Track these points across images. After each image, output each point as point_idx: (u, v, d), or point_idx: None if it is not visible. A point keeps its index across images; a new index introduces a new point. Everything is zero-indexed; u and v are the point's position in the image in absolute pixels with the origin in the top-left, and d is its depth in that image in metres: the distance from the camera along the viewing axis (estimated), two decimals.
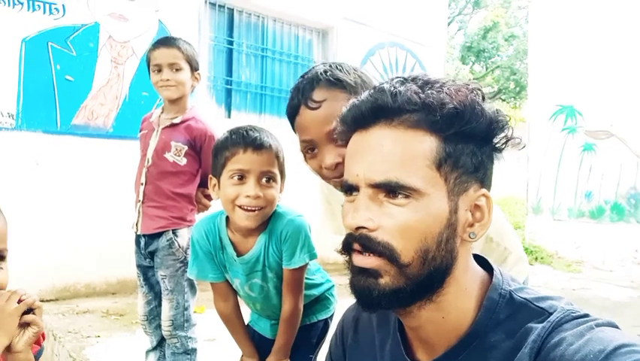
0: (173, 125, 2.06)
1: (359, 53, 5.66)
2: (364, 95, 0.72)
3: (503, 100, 20.59)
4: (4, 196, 3.51)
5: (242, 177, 1.29)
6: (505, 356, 0.67)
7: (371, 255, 0.68)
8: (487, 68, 19.48)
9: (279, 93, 5.20)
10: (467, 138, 0.70)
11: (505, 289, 0.72)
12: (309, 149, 1.11)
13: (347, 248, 0.71)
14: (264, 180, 1.31)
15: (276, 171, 1.34)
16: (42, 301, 3.57)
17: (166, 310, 2.00)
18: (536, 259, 7.00)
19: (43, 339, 1.05)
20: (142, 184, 2.07)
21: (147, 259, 2.08)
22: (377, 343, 0.85)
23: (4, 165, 3.53)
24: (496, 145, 0.73)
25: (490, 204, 0.72)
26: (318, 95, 1.07)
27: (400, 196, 0.67)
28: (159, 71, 2.02)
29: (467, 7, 19.87)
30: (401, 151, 0.68)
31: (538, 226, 7.53)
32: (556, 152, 7.27)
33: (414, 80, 0.72)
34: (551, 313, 0.67)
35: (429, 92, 0.69)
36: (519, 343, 0.66)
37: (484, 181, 0.73)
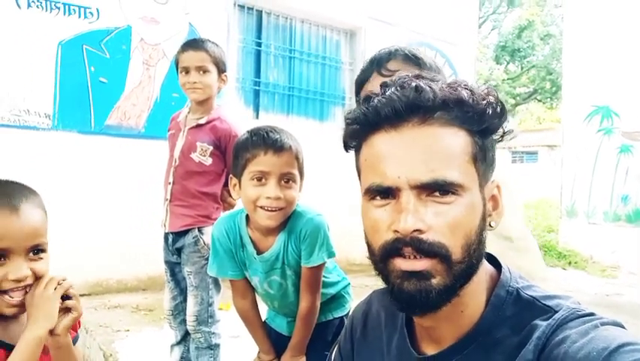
0: (198, 126, 2.11)
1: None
2: (389, 93, 0.70)
3: (539, 100, 20.14)
4: (43, 194, 3.64)
5: (262, 178, 1.31)
6: (510, 353, 0.67)
7: (422, 257, 0.66)
8: (522, 68, 19.08)
9: (306, 94, 5.23)
10: (491, 132, 0.72)
11: (512, 287, 0.73)
12: None
13: (393, 253, 0.68)
14: (283, 181, 1.33)
15: (296, 171, 1.36)
16: None
17: (191, 306, 2.05)
18: (570, 263, 6.82)
19: (79, 326, 1.11)
20: (170, 183, 2.13)
21: (175, 256, 2.14)
22: (385, 338, 0.86)
23: (41, 164, 3.67)
24: (498, 138, 0.76)
25: (501, 192, 0.75)
26: (393, 64, 1.12)
27: (447, 194, 0.67)
28: (187, 72, 2.06)
29: (502, 5, 19.50)
30: (443, 148, 0.68)
31: (572, 230, 7.33)
32: (591, 154, 7.07)
33: (431, 79, 0.72)
34: (557, 312, 0.67)
35: (460, 89, 0.70)
36: (524, 340, 0.66)
37: (493, 171, 0.76)
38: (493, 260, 0.79)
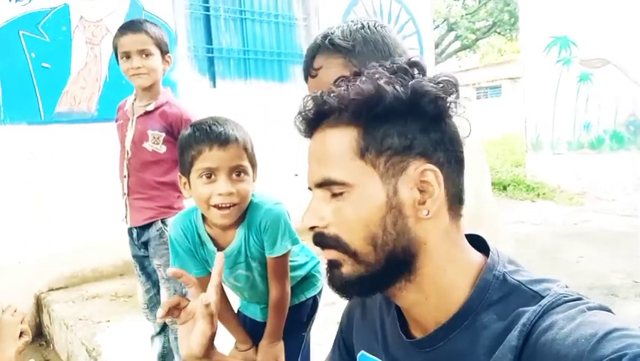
0: (147, 113, 2.02)
1: (341, 4, 5.50)
2: (300, 109, 0.77)
3: (499, 33, 20.10)
4: None
5: (211, 174, 1.26)
6: (496, 337, 0.67)
7: (329, 249, 0.73)
8: (479, 2, 18.89)
9: (262, 56, 5.08)
10: (387, 120, 0.71)
11: (499, 271, 0.73)
12: None
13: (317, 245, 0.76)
14: (234, 174, 1.28)
15: (246, 163, 1.30)
16: (51, 290, 3.69)
17: (164, 298, 2.03)
18: (538, 195, 7.03)
19: None
20: (125, 177, 2.06)
21: (142, 250, 2.10)
22: (379, 320, 0.87)
23: None
24: (431, 115, 0.72)
25: (438, 176, 0.71)
26: (316, 62, 1.11)
27: (337, 192, 0.72)
28: (128, 57, 1.95)
29: None
30: (327, 150, 0.73)
31: (538, 162, 7.51)
32: (552, 85, 7.16)
33: (341, 80, 0.75)
34: (543, 297, 0.67)
35: (340, 88, 0.72)
36: (510, 325, 0.66)
37: (429, 155, 0.71)
38: (483, 243, 0.79)
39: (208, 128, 1.27)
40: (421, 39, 6.34)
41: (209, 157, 1.25)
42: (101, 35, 4.00)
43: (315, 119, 0.75)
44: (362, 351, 0.91)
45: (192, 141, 1.27)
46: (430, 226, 0.72)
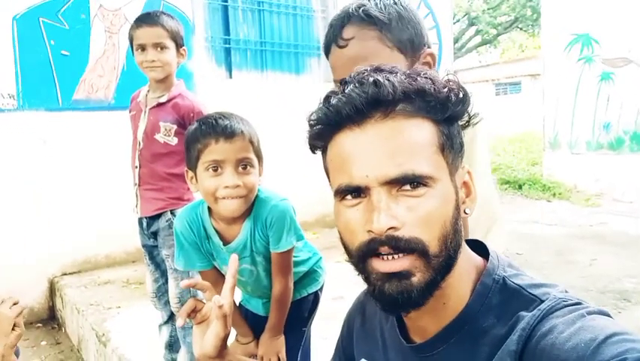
0: (160, 105, 2.04)
1: None
2: (348, 90, 0.68)
3: (521, 28, 19.78)
4: (15, 177, 3.59)
5: (217, 167, 1.27)
6: (495, 342, 0.67)
7: (399, 255, 0.66)
8: None
9: (279, 48, 5.08)
10: (455, 119, 0.72)
11: (499, 275, 0.72)
12: None
13: (370, 254, 0.67)
14: (241, 167, 1.29)
15: (252, 155, 1.31)
16: (65, 274, 3.76)
17: (172, 288, 2.05)
18: (554, 195, 6.93)
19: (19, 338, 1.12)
20: (136, 167, 2.08)
21: (151, 239, 2.12)
22: (379, 327, 0.87)
23: (11, 146, 3.58)
24: (464, 122, 0.75)
25: (472, 177, 0.75)
26: (347, 32, 1.04)
27: (418, 187, 0.66)
28: (143, 50, 1.96)
29: None
30: (408, 141, 0.67)
31: (555, 161, 7.40)
32: (572, 83, 7.03)
33: (389, 70, 0.70)
34: (543, 301, 0.67)
35: (420, 79, 0.69)
36: (510, 329, 0.66)
37: (463, 157, 0.75)
38: (482, 247, 0.79)
39: (214, 122, 1.28)
40: (440, 33, 6.27)
41: (216, 150, 1.26)
42: (120, 24, 4.04)
43: (377, 105, 0.67)
44: (362, 359, 0.91)
45: (199, 134, 1.29)
46: (461, 227, 0.72)
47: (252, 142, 1.31)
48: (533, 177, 7.67)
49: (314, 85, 5.16)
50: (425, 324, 0.75)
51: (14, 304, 0.99)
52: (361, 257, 0.68)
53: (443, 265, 0.68)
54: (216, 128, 1.27)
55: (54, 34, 3.74)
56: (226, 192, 1.26)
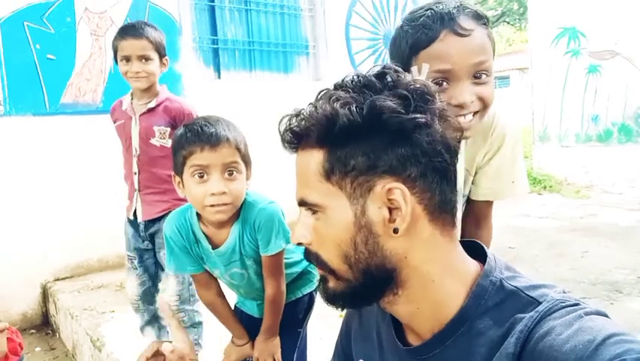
0: (150, 111, 2.08)
1: None
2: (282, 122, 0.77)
3: (508, 22, 19.90)
4: (5, 182, 3.55)
5: (203, 174, 1.27)
6: (493, 344, 0.67)
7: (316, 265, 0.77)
8: None
9: (267, 47, 5.06)
10: (351, 140, 0.69)
11: (496, 277, 0.73)
12: (440, 81, 1.03)
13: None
14: (227, 173, 1.28)
15: (239, 161, 1.30)
16: (57, 279, 3.73)
17: (173, 286, 2.09)
18: (545, 187, 6.98)
19: (21, 349, 1.08)
20: (135, 173, 2.12)
21: (145, 242, 2.14)
22: (375, 328, 0.88)
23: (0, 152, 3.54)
24: (393, 130, 0.68)
25: (405, 194, 0.68)
26: (466, 23, 1.01)
27: (313, 212, 0.74)
28: (128, 61, 2.01)
29: None
30: (301, 172, 0.75)
31: (545, 154, 7.45)
32: (560, 77, 7.08)
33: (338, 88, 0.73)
34: (540, 303, 0.67)
35: (308, 110, 0.72)
36: (507, 332, 0.66)
37: (397, 171, 0.68)
38: (480, 250, 0.79)
39: (199, 129, 1.27)
40: None
41: (201, 157, 1.26)
42: (106, 27, 4.00)
43: (295, 141, 0.76)
44: (360, 360, 0.91)
45: (184, 141, 1.28)
46: (407, 242, 0.71)
47: (238, 148, 1.30)
48: None
49: (303, 84, 5.16)
50: (415, 327, 0.76)
51: None
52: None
53: (359, 280, 0.72)
54: (201, 136, 1.26)
55: (39, 38, 3.70)
56: (213, 200, 1.26)
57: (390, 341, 0.82)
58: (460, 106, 1.03)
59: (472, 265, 0.76)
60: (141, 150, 2.09)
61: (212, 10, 4.71)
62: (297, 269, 1.56)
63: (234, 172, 1.29)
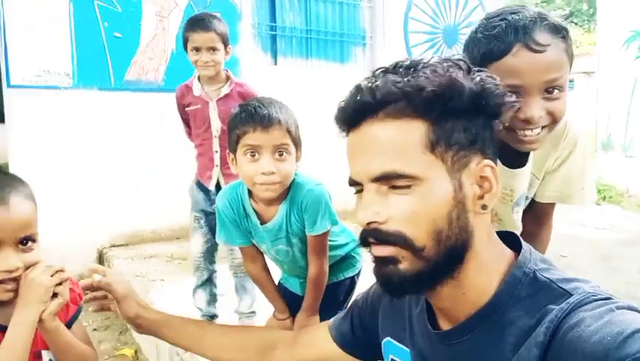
0: (226, 96, 2.27)
1: None
2: (347, 96, 0.75)
3: (576, 23, 19.04)
4: (69, 151, 3.76)
5: (255, 153, 1.31)
6: (522, 333, 0.68)
7: (385, 245, 0.71)
8: None
9: (324, 36, 5.08)
10: (454, 114, 0.71)
11: (529, 268, 0.73)
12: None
13: (364, 243, 0.75)
14: (277, 153, 1.31)
15: (289, 142, 1.33)
16: (113, 246, 3.92)
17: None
18: (604, 198, 6.67)
19: (80, 299, 1.13)
20: (216, 152, 2.31)
21: (213, 206, 2.32)
22: (407, 309, 0.89)
23: (66, 122, 3.74)
24: (491, 113, 0.74)
25: (495, 173, 0.73)
26: (542, 37, 0.97)
27: (401, 185, 0.70)
28: (197, 51, 2.21)
29: None
30: (393, 142, 0.70)
31: (607, 163, 7.11)
32: (628, 82, 6.72)
33: (395, 68, 0.73)
34: (572, 295, 0.67)
35: (406, 79, 0.70)
36: (538, 321, 0.67)
37: (485, 151, 0.74)
38: (516, 240, 0.79)
39: (253, 110, 1.31)
40: None
41: (253, 138, 1.30)
42: (170, 8, 4.13)
43: (364, 111, 0.72)
44: (388, 338, 0.92)
45: (238, 121, 1.32)
46: (479, 223, 0.73)
47: (289, 130, 1.33)
48: None
49: (358, 74, 5.12)
50: (451, 312, 0.77)
51: (58, 271, 0.99)
52: (363, 245, 0.76)
53: (440, 257, 0.70)
54: (254, 116, 1.30)
55: (108, 17, 3.87)
56: (262, 179, 1.30)
57: (422, 324, 0.83)
58: (528, 121, 1.00)
59: (508, 255, 0.77)
60: (222, 131, 2.27)
61: None
62: (341, 252, 1.58)
63: (284, 153, 1.32)
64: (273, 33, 4.78)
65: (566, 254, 4.24)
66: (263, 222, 1.43)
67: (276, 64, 4.80)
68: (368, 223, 0.72)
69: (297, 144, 1.37)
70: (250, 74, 4.32)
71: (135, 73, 4.02)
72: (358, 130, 0.74)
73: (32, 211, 0.98)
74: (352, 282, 1.61)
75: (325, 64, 5.06)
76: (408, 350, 0.87)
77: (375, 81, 0.72)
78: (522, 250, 0.76)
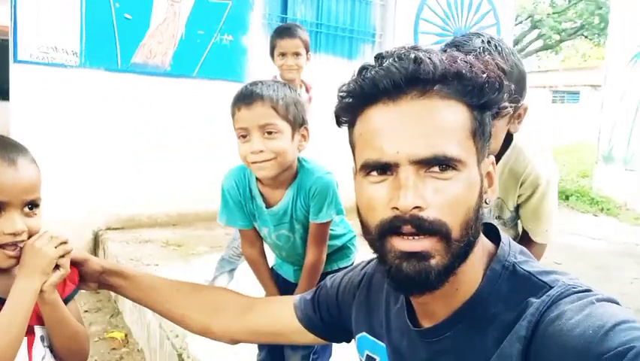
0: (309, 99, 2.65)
1: None
2: (386, 64, 0.67)
3: (586, 37, 19.00)
4: (73, 130, 3.76)
5: (246, 134, 1.31)
6: (504, 328, 0.67)
7: (422, 237, 0.65)
8: (569, 1, 17.88)
9: (334, 31, 5.07)
10: (490, 106, 0.71)
11: (509, 261, 0.72)
12: None
13: (391, 232, 0.67)
14: (266, 132, 1.30)
15: (278, 121, 1.30)
16: (109, 229, 3.92)
17: None
18: (602, 210, 6.68)
19: (77, 278, 1.10)
20: None
21: None
22: (384, 305, 0.87)
23: (70, 101, 3.74)
24: (496, 111, 0.75)
25: (495, 168, 0.74)
26: None
27: (446, 170, 0.65)
28: (284, 55, 2.52)
29: None
30: (442, 123, 0.66)
31: (607, 176, 7.12)
32: (634, 98, 6.72)
33: (419, 49, 0.70)
34: (552, 288, 0.66)
35: (459, 62, 0.68)
36: (518, 316, 0.66)
37: (489, 147, 0.74)
38: (494, 232, 0.78)
39: (244, 89, 1.33)
40: (500, 32, 6.11)
41: (240, 118, 1.31)
42: None
43: (414, 82, 0.66)
44: (364, 333, 0.90)
45: (232, 104, 1.34)
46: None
47: (275, 107, 1.30)
48: (582, 190, 7.41)
49: None
50: (435, 309, 0.75)
51: (62, 243, 0.97)
52: (381, 234, 0.68)
53: (462, 251, 0.67)
54: (240, 96, 1.31)
55: None
56: (253, 158, 1.30)
57: (401, 321, 0.81)
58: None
59: (489, 247, 0.76)
60: None
61: None
62: (338, 243, 1.58)
63: (273, 132, 1.30)
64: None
65: (560, 261, 4.25)
66: (268, 206, 1.43)
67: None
68: (412, 208, 0.64)
69: (291, 122, 1.33)
70: (257, 65, 4.32)
71: (143, 56, 4.02)
72: (395, 104, 0.67)
73: (38, 175, 0.97)
74: None
75: (333, 59, 5.05)
76: (384, 345, 0.85)
77: (431, 56, 0.66)
78: (501, 243, 0.75)
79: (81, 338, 1.04)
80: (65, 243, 0.98)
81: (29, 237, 0.95)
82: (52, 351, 1.02)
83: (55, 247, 0.96)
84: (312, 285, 1.49)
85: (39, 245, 0.93)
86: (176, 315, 1.09)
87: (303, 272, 1.48)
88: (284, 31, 2.59)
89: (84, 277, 1.10)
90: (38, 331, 1.00)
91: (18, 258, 0.94)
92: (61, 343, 1.01)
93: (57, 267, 0.96)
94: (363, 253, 1.74)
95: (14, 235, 0.92)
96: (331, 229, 1.51)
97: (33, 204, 0.96)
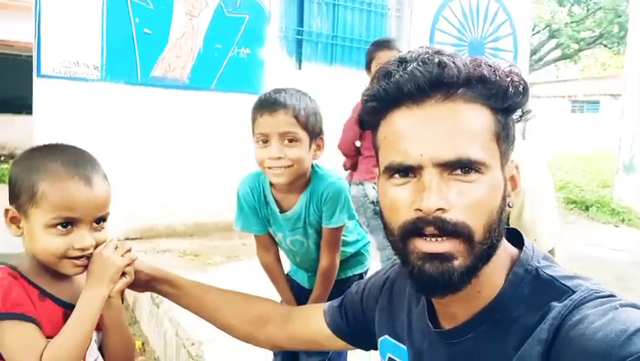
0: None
1: None
2: (410, 68, 0.68)
3: (605, 45, 18.80)
4: (92, 143, 3.84)
5: (266, 140, 1.33)
6: (525, 331, 0.67)
7: (444, 238, 0.66)
8: (587, 10, 17.72)
9: (350, 43, 5.12)
10: (513, 110, 0.72)
11: (532, 266, 0.72)
12: None
13: (414, 233, 0.68)
14: (286, 140, 1.32)
15: (298, 130, 1.33)
16: (127, 238, 3.98)
17: (386, 253, 2.58)
18: (623, 220, 6.55)
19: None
20: None
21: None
22: (407, 307, 0.88)
23: (91, 114, 3.83)
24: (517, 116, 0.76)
25: (519, 172, 0.75)
26: None
27: (470, 172, 0.66)
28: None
29: None
30: (467, 126, 0.67)
31: (628, 185, 7.00)
32: None
33: (442, 53, 0.70)
34: (575, 292, 0.66)
35: (483, 66, 0.69)
36: (540, 319, 0.66)
37: (513, 150, 0.75)
38: (518, 236, 0.79)
39: (266, 95, 1.35)
40: (517, 42, 6.10)
41: (261, 123, 1.33)
42: (200, 8, 4.22)
43: (438, 86, 0.67)
44: (385, 336, 0.91)
45: (252, 109, 1.37)
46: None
47: (297, 116, 1.32)
48: (602, 200, 7.29)
49: None
50: (456, 310, 0.75)
51: (127, 251, 1.01)
52: (404, 236, 0.69)
53: (485, 253, 0.68)
54: (262, 102, 1.34)
55: (139, 13, 3.98)
56: (270, 163, 1.32)
57: (422, 323, 0.81)
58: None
59: (512, 251, 0.76)
60: None
61: (301, 2, 4.84)
62: (351, 249, 1.59)
63: (293, 140, 1.33)
64: (299, 37, 4.84)
65: (579, 272, 4.18)
66: (282, 211, 1.45)
67: (300, 68, 4.86)
68: (435, 210, 0.65)
69: (309, 131, 1.36)
70: (273, 77, 4.38)
71: (162, 69, 4.11)
72: (419, 107, 0.68)
73: (109, 192, 1.01)
74: (360, 279, 1.62)
75: (349, 70, 5.10)
76: (405, 347, 0.85)
77: (454, 60, 0.68)
78: (524, 247, 0.75)
79: (132, 342, 1.10)
80: (129, 251, 1.02)
81: (95, 247, 0.98)
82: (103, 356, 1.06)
83: (122, 256, 0.99)
84: (327, 290, 1.50)
85: (107, 254, 0.97)
86: (223, 323, 1.16)
87: (317, 277, 1.49)
88: (383, 44, 2.72)
89: (133, 282, 1.13)
90: (93, 336, 1.03)
91: (85, 266, 0.98)
92: (116, 347, 1.05)
93: (123, 274, 1.00)
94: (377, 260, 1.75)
95: (83, 250, 0.95)
96: (344, 236, 1.52)
97: (102, 219, 0.99)
